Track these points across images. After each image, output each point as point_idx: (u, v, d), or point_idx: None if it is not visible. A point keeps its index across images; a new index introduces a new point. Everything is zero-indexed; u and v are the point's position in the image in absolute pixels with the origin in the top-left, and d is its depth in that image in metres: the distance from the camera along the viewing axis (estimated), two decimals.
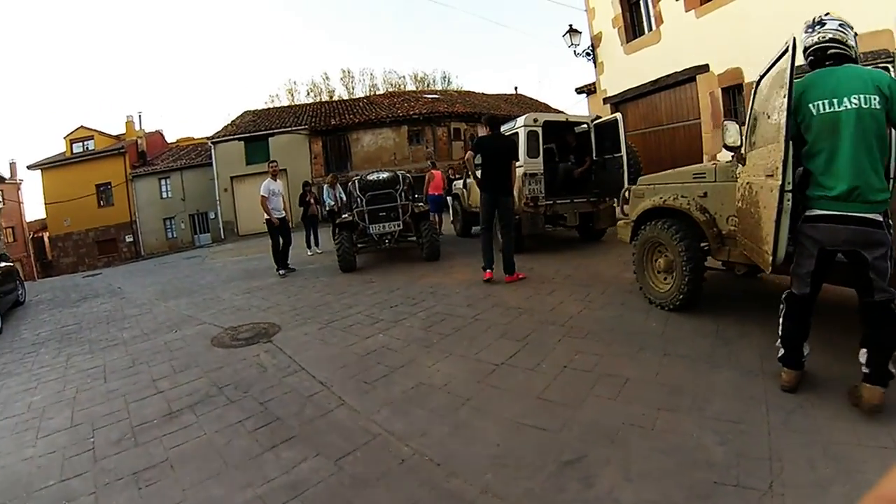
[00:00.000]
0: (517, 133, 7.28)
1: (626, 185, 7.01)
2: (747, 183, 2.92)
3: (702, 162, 9.22)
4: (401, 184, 7.60)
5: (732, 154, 3.24)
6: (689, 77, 9.29)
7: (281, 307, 5.53)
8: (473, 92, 26.02)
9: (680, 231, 3.73)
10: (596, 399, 2.54)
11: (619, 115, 7.17)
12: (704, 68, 8.96)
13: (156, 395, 3.24)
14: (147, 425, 2.76)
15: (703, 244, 3.67)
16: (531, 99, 26.90)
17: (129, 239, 22.58)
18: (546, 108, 25.47)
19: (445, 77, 38.63)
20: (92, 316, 6.56)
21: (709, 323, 3.50)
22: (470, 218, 9.52)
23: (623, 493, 1.80)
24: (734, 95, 8.74)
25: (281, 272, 7.71)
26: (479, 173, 5.65)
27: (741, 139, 3.02)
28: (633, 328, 3.57)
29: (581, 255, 6.88)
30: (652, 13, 10.07)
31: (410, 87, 33.35)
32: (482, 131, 8.50)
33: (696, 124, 9.41)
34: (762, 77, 2.83)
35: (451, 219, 10.86)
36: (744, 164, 3.06)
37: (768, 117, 2.57)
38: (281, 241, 7.83)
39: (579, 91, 17.54)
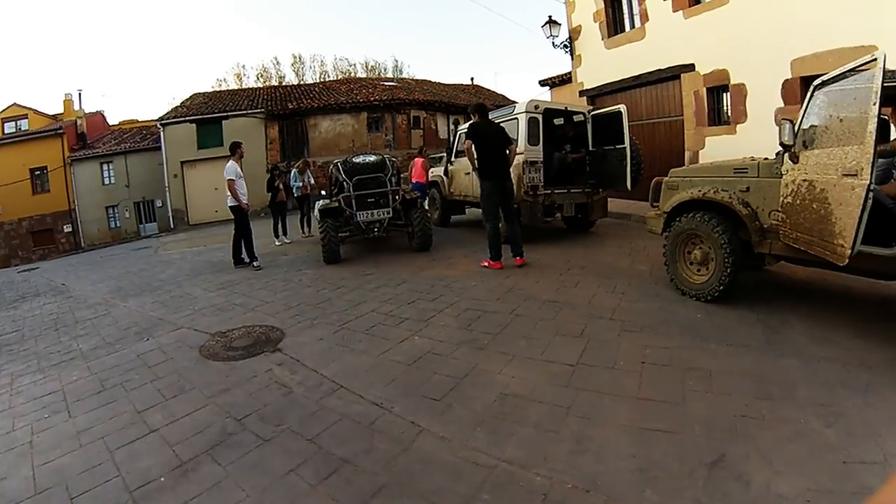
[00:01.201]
0: (516, 119, 6.74)
1: (628, 177, 6.73)
2: (804, 180, 3.01)
3: (683, 156, 9.11)
4: (389, 168, 6.84)
5: (780, 152, 3.35)
6: (673, 75, 9.07)
7: (272, 306, 4.66)
8: (430, 81, 25.06)
9: (721, 224, 3.68)
10: (694, 394, 2.39)
11: (623, 107, 6.77)
12: (690, 67, 8.76)
13: (149, 435, 2.37)
14: (151, 487, 1.92)
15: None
16: (488, 90, 26.34)
17: (67, 229, 19.84)
18: (504, 99, 25.11)
19: (397, 66, 37.21)
20: (35, 320, 5.31)
21: (746, 313, 3.48)
22: (449, 206, 9.02)
23: (780, 486, 1.71)
24: (718, 95, 8.60)
25: (255, 263, 6.72)
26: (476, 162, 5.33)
27: (794, 139, 3.07)
28: (681, 320, 3.43)
29: (581, 246, 6.54)
30: (637, 10, 9.75)
31: (361, 74, 31.87)
32: (461, 122, 7.95)
33: (679, 121, 9.22)
34: (821, 84, 3.01)
35: (428, 207, 10.21)
36: (796, 162, 3.12)
37: (841, 121, 2.71)
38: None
39: (543, 83, 17.31)
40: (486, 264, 5.41)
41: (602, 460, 1.93)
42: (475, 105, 5.86)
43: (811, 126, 3.04)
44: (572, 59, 11.95)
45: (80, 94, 21.80)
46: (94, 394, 2.98)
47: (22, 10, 53.61)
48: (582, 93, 11.59)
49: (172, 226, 18.20)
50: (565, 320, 3.55)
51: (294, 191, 9.80)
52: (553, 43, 11.69)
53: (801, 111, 3.17)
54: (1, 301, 6.95)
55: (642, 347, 2.97)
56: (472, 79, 27.31)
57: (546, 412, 2.30)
